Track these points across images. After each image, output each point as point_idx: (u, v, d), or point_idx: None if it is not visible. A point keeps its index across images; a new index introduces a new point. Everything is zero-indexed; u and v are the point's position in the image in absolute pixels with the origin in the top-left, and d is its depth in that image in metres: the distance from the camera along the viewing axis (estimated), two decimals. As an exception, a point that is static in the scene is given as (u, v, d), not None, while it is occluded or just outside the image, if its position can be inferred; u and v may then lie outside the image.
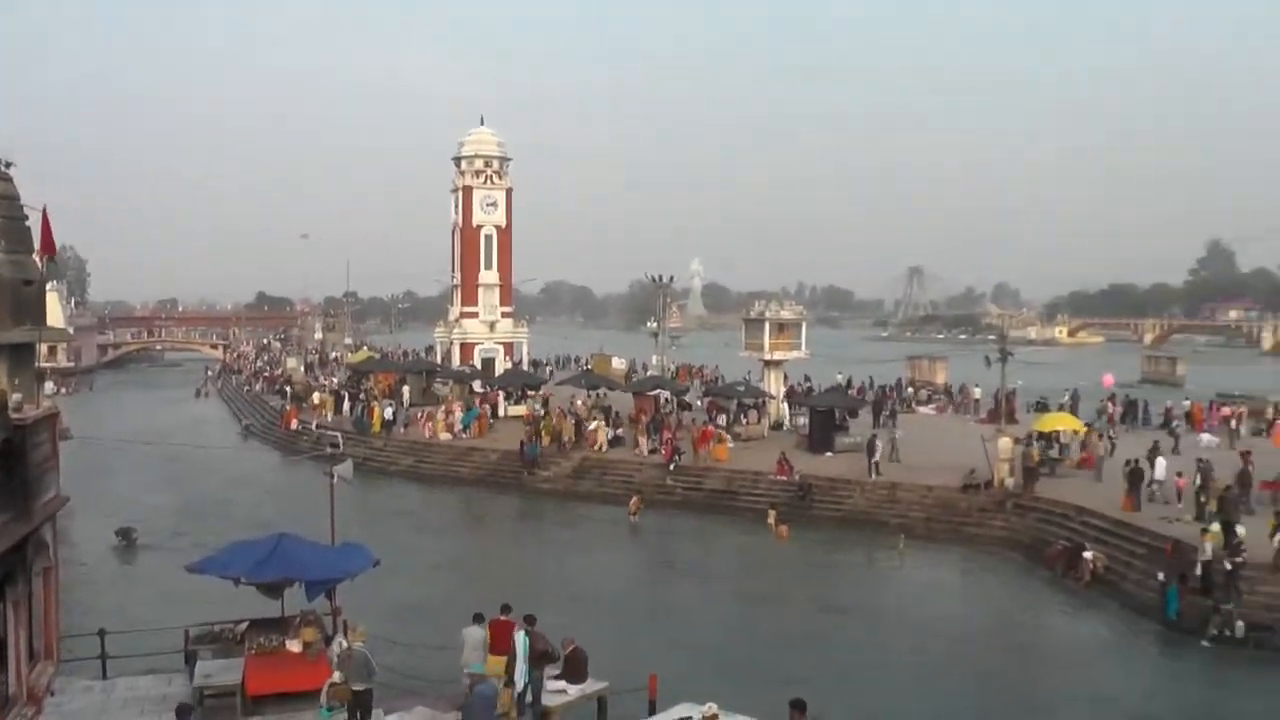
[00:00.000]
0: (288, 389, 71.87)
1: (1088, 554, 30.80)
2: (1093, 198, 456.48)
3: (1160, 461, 36.45)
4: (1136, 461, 35.26)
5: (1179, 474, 35.29)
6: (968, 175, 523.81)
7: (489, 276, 67.89)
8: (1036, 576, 32.35)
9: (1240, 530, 28.43)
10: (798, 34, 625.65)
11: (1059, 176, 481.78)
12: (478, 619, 19.31)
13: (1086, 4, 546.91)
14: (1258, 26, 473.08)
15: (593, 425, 48.78)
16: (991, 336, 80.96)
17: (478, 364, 66.96)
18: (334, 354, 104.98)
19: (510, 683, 17.93)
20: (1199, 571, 27.23)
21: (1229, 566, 26.41)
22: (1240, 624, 25.12)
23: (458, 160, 67.98)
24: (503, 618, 19.36)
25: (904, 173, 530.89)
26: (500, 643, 18.73)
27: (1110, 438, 45.12)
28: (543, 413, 51.85)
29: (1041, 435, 41.80)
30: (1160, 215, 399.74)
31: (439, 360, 71.88)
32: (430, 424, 53.51)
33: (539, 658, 18.20)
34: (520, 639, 17.98)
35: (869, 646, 25.72)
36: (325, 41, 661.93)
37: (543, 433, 48.60)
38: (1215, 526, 28.50)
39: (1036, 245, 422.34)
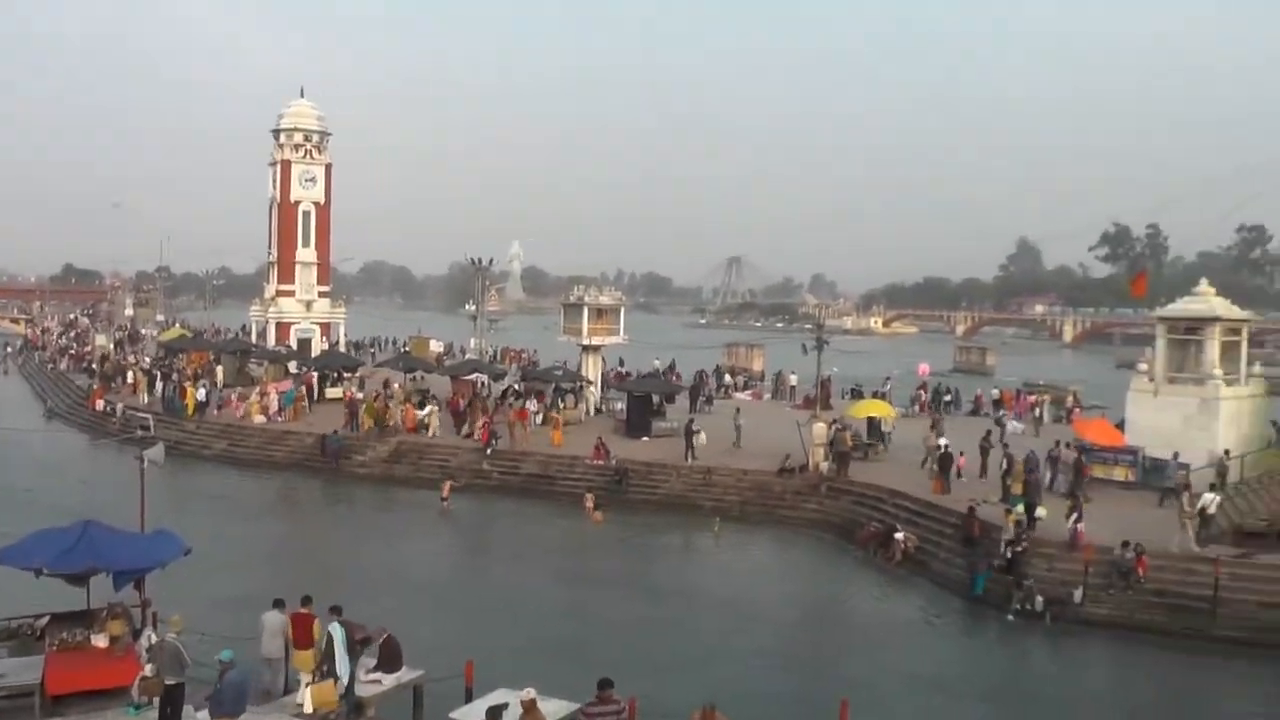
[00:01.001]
0: (95, 368, 68.87)
1: (899, 535, 32.08)
2: (909, 194, 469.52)
3: (942, 441, 38.65)
4: (946, 446, 36.92)
5: (961, 453, 37.66)
6: (787, 167, 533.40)
7: (307, 254, 66.79)
8: (849, 557, 33.50)
9: (1041, 511, 30.24)
10: (613, 18, 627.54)
11: (876, 171, 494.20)
12: (277, 604, 18.90)
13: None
14: (1073, 37, 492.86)
15: (426, 410, 48.19)
16: (808, 325, 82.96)
17: (294, 344, 65.75)
18: (145, 331, 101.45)
19: (335, 676, 17.41)
20: (1003, 550, 28.82)
21: (1020, 548, 28.31)
22: (1040, 598, 26.65)
23: (276, 133, 66.57)
24: (303, 610, 18.66)
25: (724, 161, 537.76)
26: (302, 636, 18.33)
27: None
28: (360, 395, 51.23)
29: (871, 421, 43.19)
30: (973, 214, 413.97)
31: (254, 340, 70.26)
32: (244, 406, 52.29)
33: (358, 646, 18.01)
34: (336, 631, 17.56)
35: (687, 628, 26.24)
36: (140, 2, 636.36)
37: (364, 416, 48.05)
38: (1020, 507, 30.25)
39: (854, 239, 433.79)
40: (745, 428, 44.48)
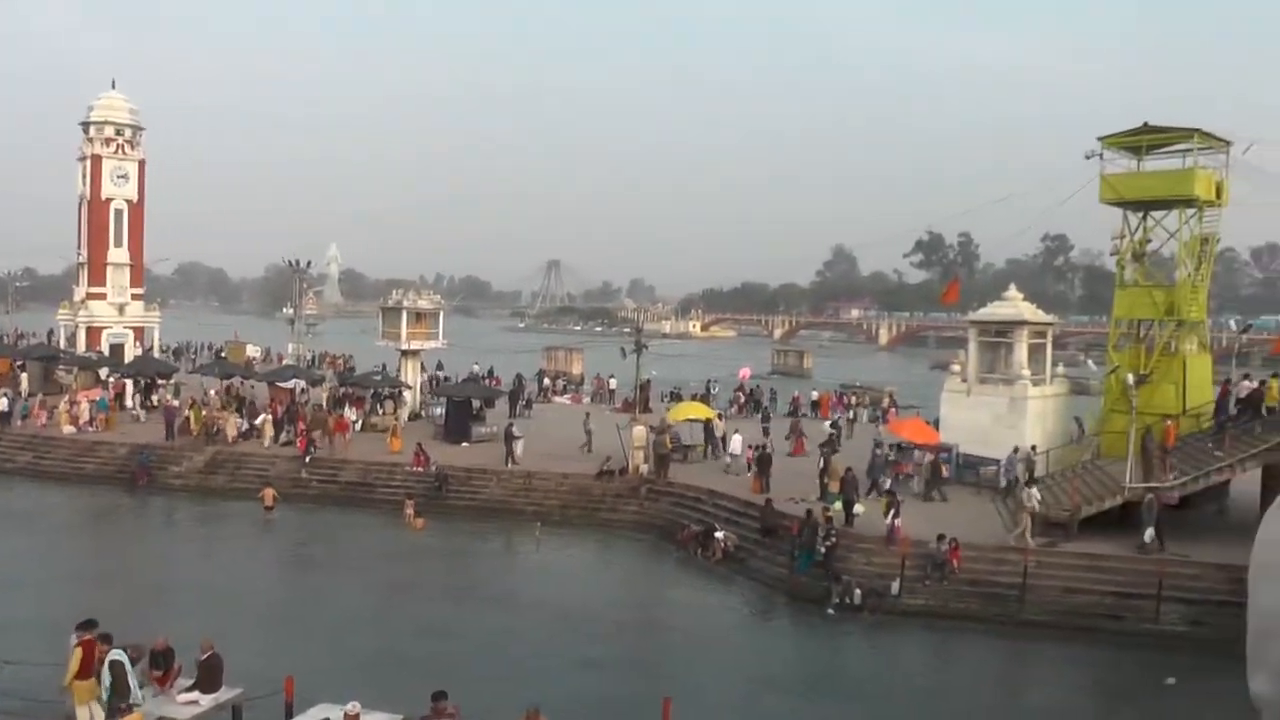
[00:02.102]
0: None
1: (719, 534, 32.83)
2: (727, 201, 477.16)
3: (736, 438, 41.18)
4: (764, 448, 37.96)
5: (750, 447, 39.56)
6: (606, 173, 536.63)
7: (119, 255, 64.28)
8: (670, 558, 34.22)
9: (859, 508, 31.43)
10: (432, 31, 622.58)
11: (694, 178, 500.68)
12: (87, 626, 18.21)
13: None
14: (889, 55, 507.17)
15: (260, 419, 46.96)
16: (627, 329, 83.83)
17: (106, 350, 63.44)
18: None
19: (137, 704, 16.69)
20: (818, 545, 29.86)
21: (830, 542, 29.41)
22: (858, 591, 27.75)
23: (86, 126, 63.87)
24: (88, 635, 17.43)
25: (543, 168, 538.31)
26: (87, 664, 17.13)
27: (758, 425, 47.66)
28: (177, 403, 49.81)
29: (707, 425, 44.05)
30: (790, 220, 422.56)
31: (63, 345, 67.52)
32: (47, 415, 50.25)
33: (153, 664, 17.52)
34: (122, 657, 16.76)
35: (510, 634, 26.38)
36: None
37: (194, 423, 46.81)
38: (838, 504, 31.41)
39: (673, 245, 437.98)
40: (564, 432, 44.80)
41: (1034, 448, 35.78)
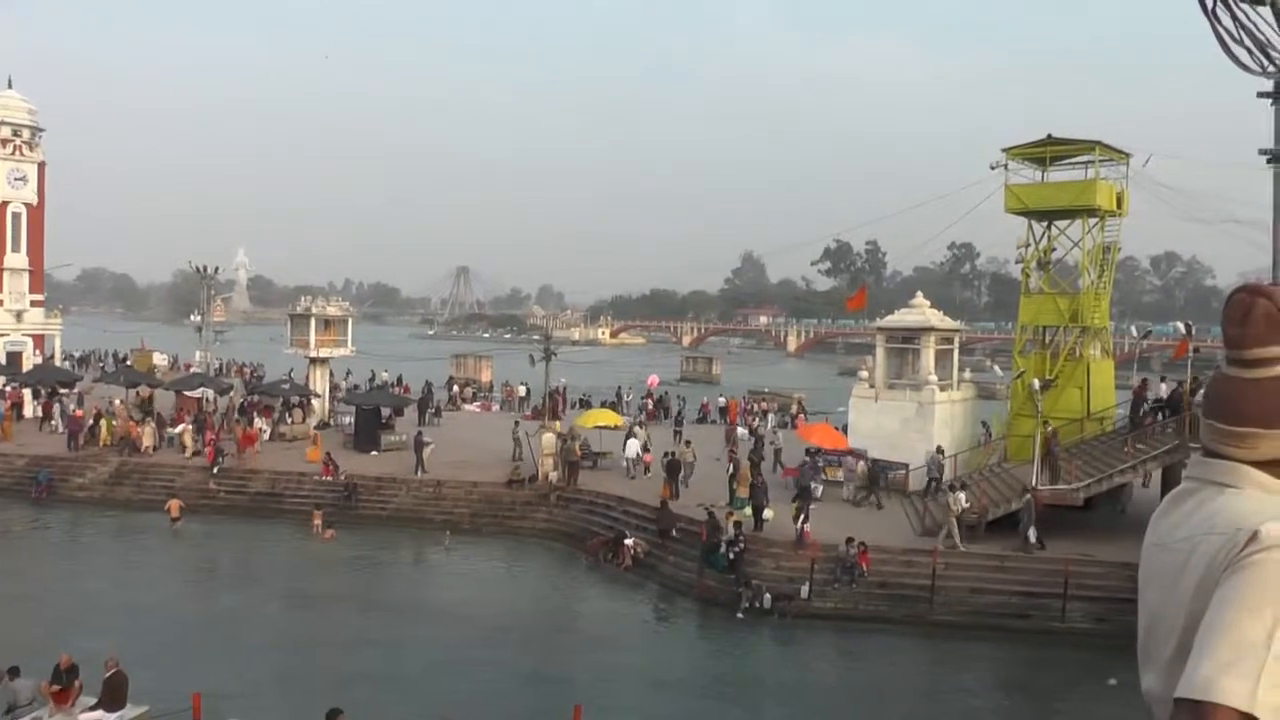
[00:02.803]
0: None
1: (628, 541, 32.84)
2: (636, 208, 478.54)
3: (632, 443, 41.66)
4: (674, 454, 38.09)
5: (647, 451, 41.25)
6: (514, 182, 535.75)
7: (17, 260, 62.61)
8: (580, 565, 34.20)
9: (768, 513, 31.65)
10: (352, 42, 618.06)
11: (603, 187, 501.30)
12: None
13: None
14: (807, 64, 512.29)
15: (179, 429, 45.93)
16: (536, 336, 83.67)
17: (3, 358, 61.93)
18: None
19: None
20: (723, 550, 30.31)
21: (739, 548, 29.77)
22: (768, 596, 27.94)
23: (-20, 125, 62.47)
24: None
25: (452, 176, 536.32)
26: None
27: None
28: (94, 412, 48.70)
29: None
30: (698, 227, 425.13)
31: (-43, 353, 65.76)
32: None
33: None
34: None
35: (419, 644, 26.16)
36: None
37: (103, 432, 45.84)
38: (748, 510, 31.66)
39: (581, 253, 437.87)
40: (473, 440, 44.61)
41: (940, 450, 36.26)
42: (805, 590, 28.01)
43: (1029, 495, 30.00)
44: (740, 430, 50.81)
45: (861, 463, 36.68)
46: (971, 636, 26.50)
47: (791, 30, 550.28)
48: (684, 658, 26.23)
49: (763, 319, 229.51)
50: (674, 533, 33.17)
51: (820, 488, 35.08)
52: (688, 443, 41.82)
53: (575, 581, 33.04)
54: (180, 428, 45.99)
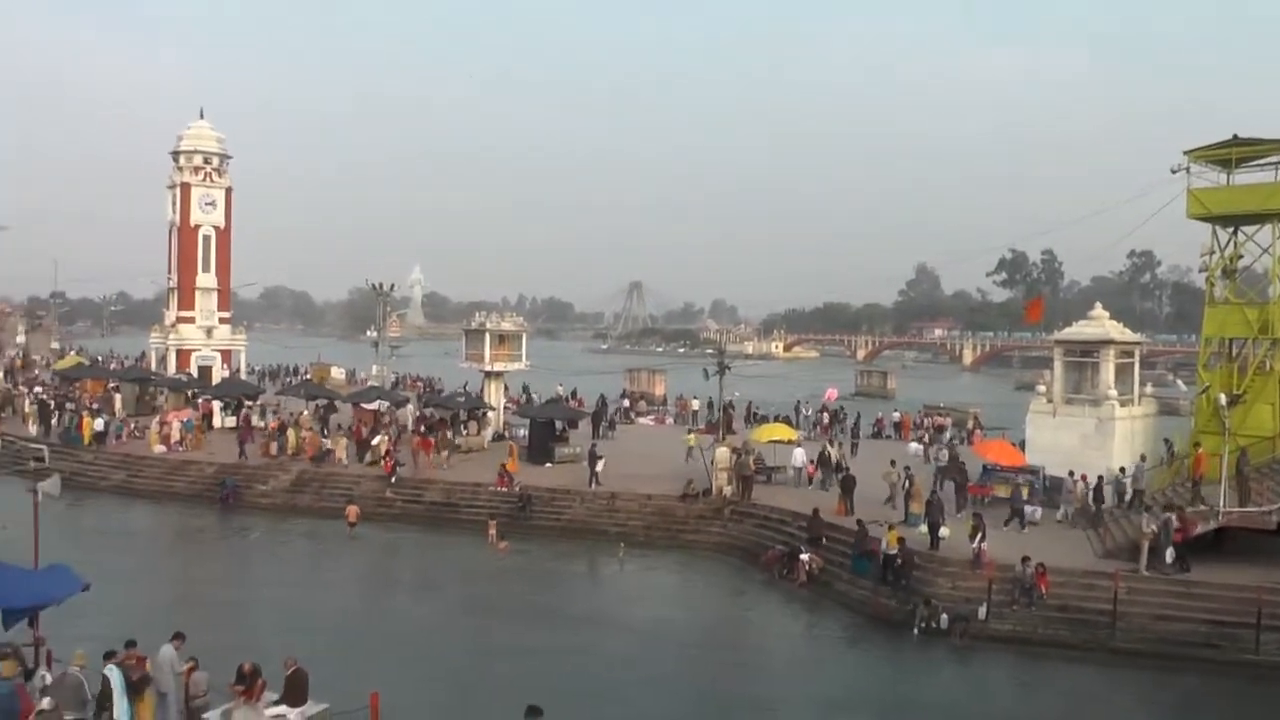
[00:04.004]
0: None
1: (804, 556, 32.35)
2: (810, 220, 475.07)
3: (798, 452, 42.32)
4: (849, 470, 37.53)
5: (811, 462, 41.48)
6: (688, 194, 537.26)
7: (207, 280, 65.52)
8: (754, 579, 33.77)
9: (944, 531, 30.86)
10: (513, 42, 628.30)
11: (776, 199, 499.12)
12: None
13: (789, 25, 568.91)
14: (980, 59, 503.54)
15: (377, 440, 47.02)
16: (710, 350, 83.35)
17: (195, 372, 64.56)
18: (35, 358, 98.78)
19: None
20: (882, 563, 30.07)
21: (898, 562, 29.44)
22: (944, 616, 27.10)
23: (175, 155, 65.33)
24: (131, 652, 17.81)
25: (626, 188, 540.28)
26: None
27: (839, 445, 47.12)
28: (264, 425, 50.53)
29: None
30: (873, 239, 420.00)
31: (154, 368, 68.87)
32: (129, 434, 51.07)
33: (138, 687, 17.26)
34: (114, 674, 16.76)
35: (593, 655, 26.18)
36: (30, 21, 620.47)
37: (289, 442, 47.68)
38: (922, 527, 31.23)
39: (755, 265, 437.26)
40: (646, 453, 44.64)
41: (1122, 470, 34.93)
42: (983, 611, 27.09)
43: (1169, 515, 28.65)
44: (913, 446, 49.89)
45: (1080, 483, 35.05)
46: (1155, 666, 25.05)
47: (959, 35, 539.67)
48: (859, 678, 25.54)
49: (937, 332, 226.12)
50: (823, 541, 33.07)
51: (1038, 510, 34.12)
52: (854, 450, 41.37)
53: (748, 596, 32.67)
54: (378, 439, 46.93)
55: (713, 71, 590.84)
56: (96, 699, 16.84)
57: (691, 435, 48.41)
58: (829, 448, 42.07)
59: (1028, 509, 34.02)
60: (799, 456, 42.27)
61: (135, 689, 17.14)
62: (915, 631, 27.29)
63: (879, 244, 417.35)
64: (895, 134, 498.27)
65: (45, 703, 15.85)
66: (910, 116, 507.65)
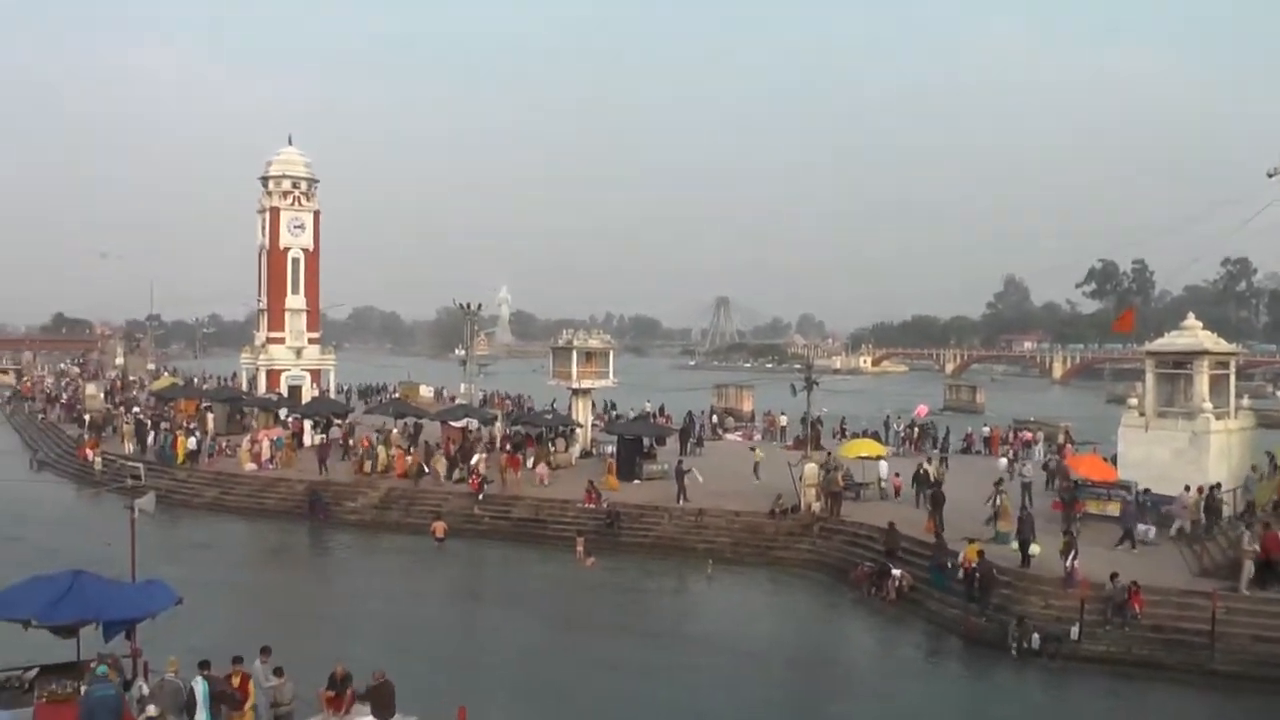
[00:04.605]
0: (86, 417, 68.50)
1: (896, 572, 31.95)
2: (896, 233, 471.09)
3: (883, 464, 42.69)
4: (939, 486, 36.98)
5: (897, 474, 41.95)
6: (772, 209, 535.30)
7: (296, 301, 66.92)
8: (843, 596, 33.39)
9: (1035, 549, 30.23)
10: (600, 65, 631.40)
11: (862, 211, 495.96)
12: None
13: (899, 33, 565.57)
14: (1074, 71, 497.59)
15: (475, 459, 46.89)
16: (797, 365, 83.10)
17: (285, 391, 65.68)
18: (132, 379, 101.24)
19: None
20: (960, 577, 29.87)
21: (977, 577, 29.18)
22: (1036, 635, 26.49)
23: (265, 180, 66.90)
24: (235, 669, 18.21)
25: (710, 204, 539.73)
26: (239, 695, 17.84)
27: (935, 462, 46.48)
28: (351, 443, 51.27)
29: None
30: (958, 250, 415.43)
31: (245, 387, 70.18)
32: (221, 453, 52.08)
33: (220, 700, 17.50)
34: (199, 685, 17.11)
35: (681, 672, 26.06)
36: (122, 47, 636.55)
37: (380, 459, 48.34)
38: (1014, 544, 30.72)
39: (841, 279, 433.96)
40: (733, 470, 44.64)
41: (1218, 485, 34.03)
42: (1075, 631, 26.46)
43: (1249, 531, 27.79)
44: (1002, 462, 49.09)
45: (1195, 494, 33.69)
46: (1257, 689, 24.15)
47: (1046, 42, 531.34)
48: (949, 698, 25.07)
49: (1027, 345, 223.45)
50: (900, 554, 32.90)
51: (1150, 529, 33.01)
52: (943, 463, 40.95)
53: (838, 614, 32.32)
54: (476, 458, 47.08)
55: (790, 87, 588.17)
56: (184, 707, 17.22)
57: (758, 450, 48.36)
58: (926, 465, 41.26)
59: (1140, 528, 32.81)
60: (884, 469, 42.08)
61: (219, 702, 17.46)
62: (1013, 652, 26.64)
63: (966, 257, 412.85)
64: (981, 144, 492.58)
65: (151, 709, 16.29)
66: (992, 124, 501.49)
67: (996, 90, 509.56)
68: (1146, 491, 35.03)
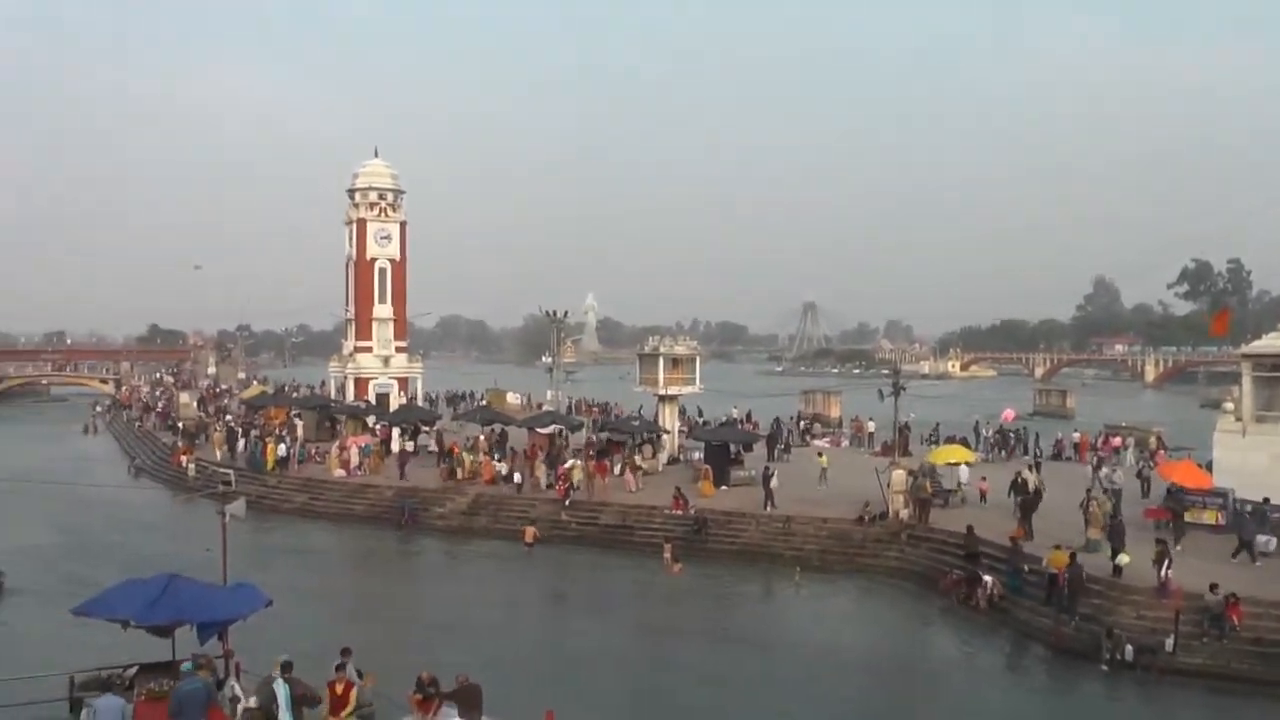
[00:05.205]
0: (180, 425, 70.09)
1: (987, 579, 31.40)
2: (982, 234, 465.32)
3: (964, 468, 42.18)
4: (1029, 492, 36.40)
5: (983, 478, 41.78)
6: (859, 213, 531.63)
7: (383, 310, 67.78)
8: (933, 605, 32.88)
9: (1124, 558, 29.49)
10: (689, 72, 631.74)
11: (948, 215, 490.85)
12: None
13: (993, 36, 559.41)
14: (1132, 78, 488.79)
15: (569, 464, 47.12)
16: (885, 370, 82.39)
17: (372, 399, 66.46)
18: (224, 388, 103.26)
19: None
20: (1045, 582, 29.33)
21: (1062, 584, 28.54)
22: (1129, 647, 25.80)
23: (351, 192, 67.84)
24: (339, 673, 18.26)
25: (797, 209, 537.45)
26: (339, 698, 17.90)
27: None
28: (438, 449, 51.74)
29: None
30: (1047, 252, 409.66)
31: (333, 395, 71.12)
32: (311, 459, 52.89)
33: (300, 703, 17.58)
34: (281, 688, 17.19)
35: (769, 678, 25.82)
36: (211, 65, 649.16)
37: (458, 469, 48.66)
38: (1081, 553, 30.00)
39: (928, 283, 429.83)
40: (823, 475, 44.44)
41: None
42: (1170, 643, 25.72)
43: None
44: (1087, 468, 48.19)
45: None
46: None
47: (1136, 45, 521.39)
48: (1039, 709, 24.54)
49: (1118, 348, 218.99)
50: (980, 558, 32.47)
51: (1272, 540, 31.66)
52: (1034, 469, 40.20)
53: (926, 622, 31.85)
54: (569, 463, 47.18)
55: (881, 94, 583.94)
56: (265, 708, 17.41)
57: (824, 457, 48.00)
58: (1025, 473, 40.26)
59: (1260, 538, 31.44)
60: (964, 473, 41.69)
61: (299, 704, 17.61)
62: (1104, 664, 25.98)
63: (1055, 259, 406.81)
64: (1067, 146, 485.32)
65: (252, 700, 16.61)
66: (1081, 125, 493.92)
67: (1087, 90, 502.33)
68: (1266, 501, 33.54)
